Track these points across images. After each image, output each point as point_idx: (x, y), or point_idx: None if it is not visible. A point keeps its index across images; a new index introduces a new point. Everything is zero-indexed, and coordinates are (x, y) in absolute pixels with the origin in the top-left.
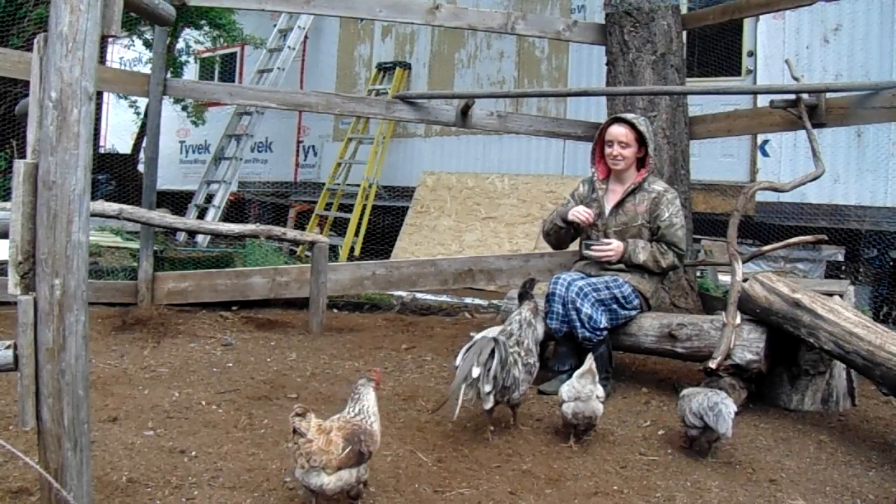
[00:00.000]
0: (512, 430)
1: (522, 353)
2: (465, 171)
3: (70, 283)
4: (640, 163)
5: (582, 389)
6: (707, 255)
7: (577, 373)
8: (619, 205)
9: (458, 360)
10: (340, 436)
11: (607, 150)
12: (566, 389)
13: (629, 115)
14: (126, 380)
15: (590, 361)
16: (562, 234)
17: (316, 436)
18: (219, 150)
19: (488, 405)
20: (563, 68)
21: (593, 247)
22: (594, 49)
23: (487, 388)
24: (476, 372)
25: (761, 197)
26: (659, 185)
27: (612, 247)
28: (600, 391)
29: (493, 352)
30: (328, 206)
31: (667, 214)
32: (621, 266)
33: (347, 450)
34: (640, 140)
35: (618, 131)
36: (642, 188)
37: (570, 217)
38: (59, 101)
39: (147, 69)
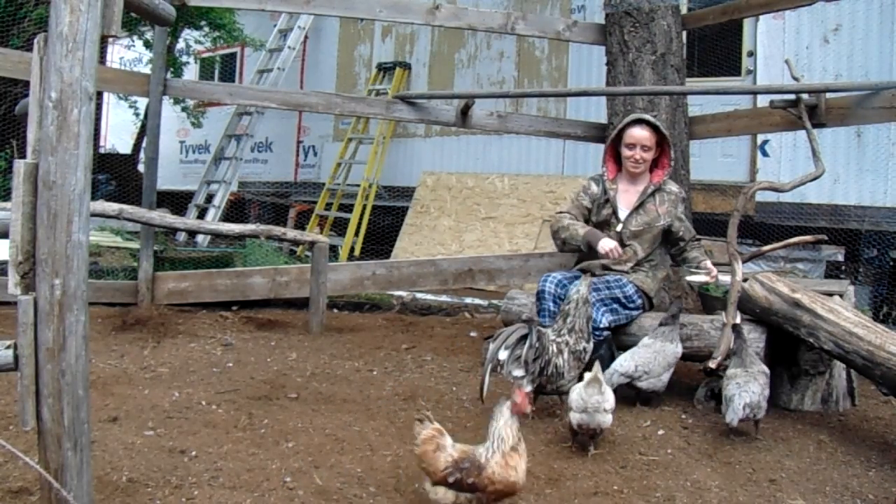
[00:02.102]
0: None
1: (571, 341)
2: (465, 171)
3: (70, 283)
4: (652, 163)
5: (589, 400)
6: (707, 255)
7: (584, 381)
8: (640, 206)
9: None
10: (454, 456)
11: (627, 153)
12: (575, 398)
13: (648, 116)
14: (126, 380)
15: (596, 368)
16: (577, 251)
17: (420, 443)
18: (219, 151)
19: (527, 388)
20: (563, 68)
21: (705, 274)
22: (594, 49)
23: (518, 372)
24: (503, 355)
25: (761, 197)
26: (674, 186)
27: (714, 271)
28: (609, 401)
29: (524, 337)
30: (328, 206)
31: (681, 213)
32: (623, 267)
33: (445, 471)
34: (659, 140)
35: (641, 135)
36: (661, 189)
37: (600, 249)
38: (59, 101)
39: (147, 69)
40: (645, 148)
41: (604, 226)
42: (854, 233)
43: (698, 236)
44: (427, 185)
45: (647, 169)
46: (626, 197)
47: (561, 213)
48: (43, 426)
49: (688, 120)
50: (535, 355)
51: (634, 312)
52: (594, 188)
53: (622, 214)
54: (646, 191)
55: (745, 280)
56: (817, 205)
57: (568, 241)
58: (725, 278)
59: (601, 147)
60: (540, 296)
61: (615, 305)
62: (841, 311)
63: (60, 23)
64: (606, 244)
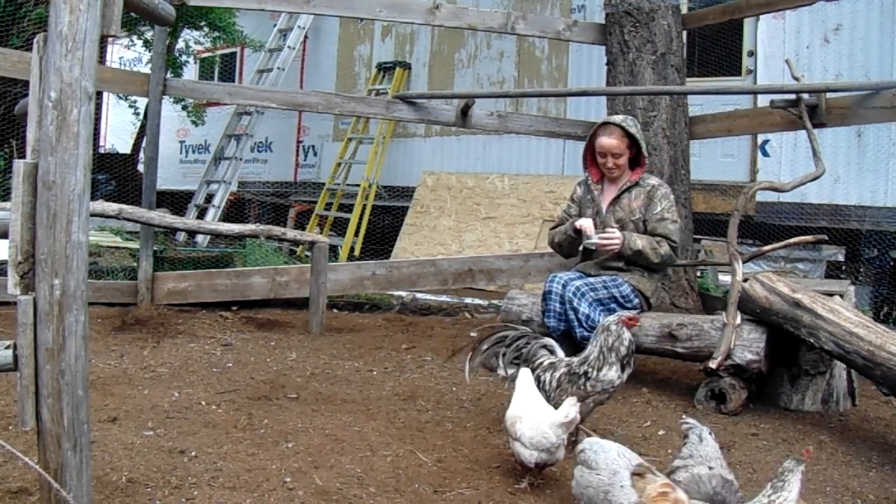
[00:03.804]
0: None
1: (575, 363)
2: (465, 171)
3: (70, 283)
4: (633, 161)
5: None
6: (707, 255)
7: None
8: (616, 201)
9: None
10: None
11: (600, 160)
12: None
13: (618, 119)
14: (126, 380)
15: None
16: (575, 244)
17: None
18: (219, 150)
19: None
20: (563, 68)
21: (598, 235)
22: (594, 49)
23: (500, 370)
24: (485, 345)
25: (761, 197)
26: (653, 180)
27: (615, 235)
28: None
29: (509, 339)
30: (328, 206)
31: (658, 209)
32: (620, 265)
33: None
34: (631, 140)
35: (609, 143)
36: (638, 184)
37: (577, 226)
38: (58, 101)
39: (147, 69)
40: (615, 155)
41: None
42: (854, 233)
43: (673, 241)
44: (427, 185)
45: (624, 171)
46: (608, 196)
47: (552, 228)
48: (42, 426)
49: (688, 120)
50: (514, 358)
51: (632, 312)
52: (579, 191)
53: (603, 212)
54: (622, 187)
55: (745, 280)
56: (818, 205)
57: (561, 241)
58: (726, 278)
59: None
60: (546, 296)
61: (612, 305)
62: (841, 312)
63: (60, 22)
64: (582, 224)
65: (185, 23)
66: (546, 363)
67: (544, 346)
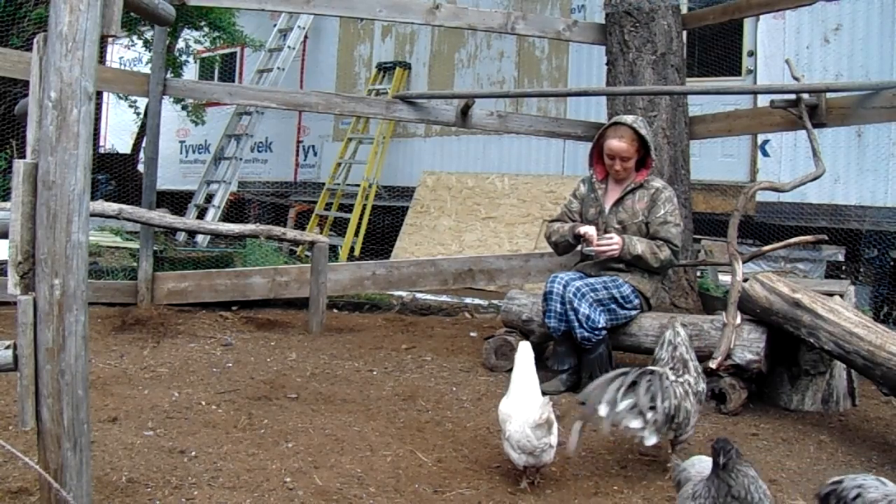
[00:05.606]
0: None
1: (692, 381)
2: (465, 171)
3: (70, 283)
4: (640, 162)
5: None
6: (707, 255)
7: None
8: (619, 202)
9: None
10: None
11: (608, 162)
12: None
13: (629, 119)
14: (126, 380)
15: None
16: (571, 247)
17: None
18: (219, 150)
19: (650, 441)
20: (563, 68)
21: (596, 241)
22: (594, 49)
23: (635, 423)
24: (603, 410)
25: (761, 197)
26: (657, 183)
27: (615, 240)
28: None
29: (634, 383)
30: (328, 206)
31: (662, 212)
32: (621, 266)
33: None
34: (641, 141)
35: (619, 147)
36: (642, 186)
37: (581, 232)
38: (58, 101)
39: (147, 69)
40: (623, 159)
41: (591, 224)
42: (854, 233)
43: (675, 245)
44: (427, 185)
45: (630, 173)
46: (612, 196)
47: (552, 221)
48: (42, 426)
49: (688, 120)
50: (652, 400)
51: (632, 312)
52: (582, 188)
53: (605, 212)
54: (626, 188)
55: (745, 280)
56: (818, 205)
57: (559, 241)
58: (726, 278)
59: None
60: (547, 296)
61: (612, 305)
62: (841, 312)
63: (60, 22)
64: (583, 228)
65: (185, 23)
66: (681, 391)
67: (650, 375)
